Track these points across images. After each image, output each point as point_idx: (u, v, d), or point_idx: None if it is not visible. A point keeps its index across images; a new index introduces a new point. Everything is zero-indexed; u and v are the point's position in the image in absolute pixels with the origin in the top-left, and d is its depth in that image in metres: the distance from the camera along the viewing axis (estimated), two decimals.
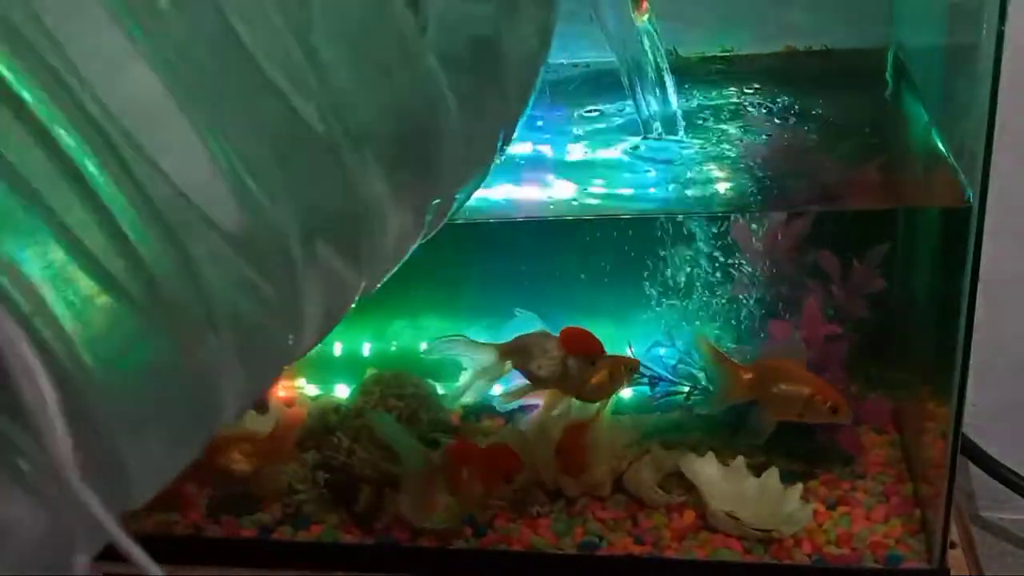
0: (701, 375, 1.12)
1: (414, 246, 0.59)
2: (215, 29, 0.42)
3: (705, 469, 1.05)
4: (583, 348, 0.99)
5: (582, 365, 0.99)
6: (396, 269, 0.59)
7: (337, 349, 1.28)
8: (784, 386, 0.96)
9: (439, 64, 0.52)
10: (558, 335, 1.01)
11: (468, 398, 1.05)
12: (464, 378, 1.01)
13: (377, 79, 0.49)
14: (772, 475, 1.04)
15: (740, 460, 1.05)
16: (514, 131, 0.67)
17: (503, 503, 1.08)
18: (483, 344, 1.01)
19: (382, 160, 0.49)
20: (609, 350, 1.03)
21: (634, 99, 0.98)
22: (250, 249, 0.43)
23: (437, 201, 0.58)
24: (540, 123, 1.08)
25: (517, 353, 1.00)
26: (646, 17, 0.92)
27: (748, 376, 0.97)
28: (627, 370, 1.01)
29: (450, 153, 0.55)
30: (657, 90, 0.96)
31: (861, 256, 1.05)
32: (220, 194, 0.41)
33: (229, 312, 0.43)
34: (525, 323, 1.01)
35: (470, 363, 1.01)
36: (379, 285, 0.57)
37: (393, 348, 1.27)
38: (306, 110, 0.44)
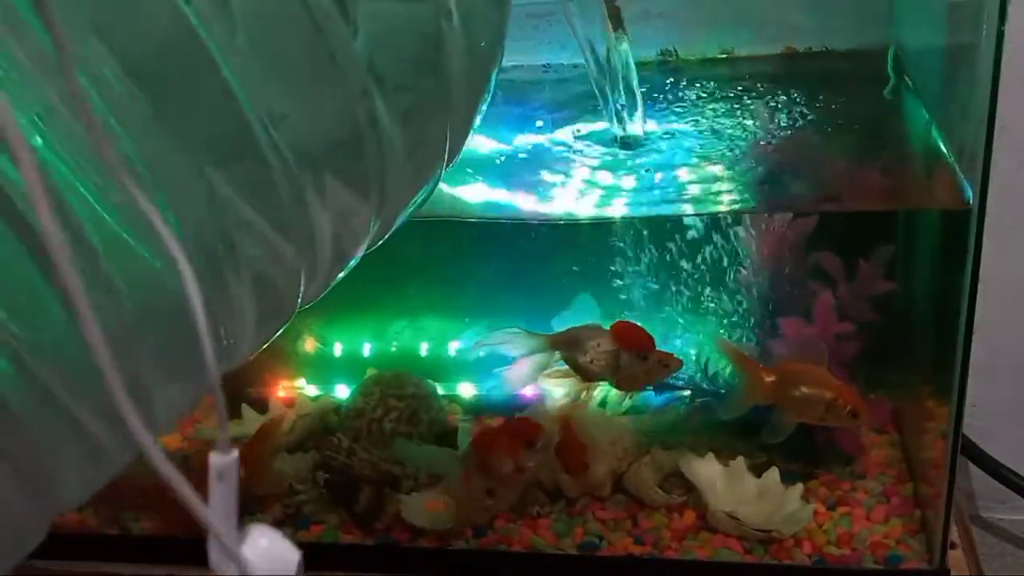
0: (704, 380, 1.12)
1: (360, 252, 0.58)
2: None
3: (705, 469, 1.05)
4: (636, 343, 0.99)
5: (634, 360, 0.98)
6: (345, 273, 0.57)
7: (337, 349, 1.28)
8: (806, 389, 0.95)
9: (371, 73, 0.51)
10: (610, 328, 1.00)
11: (517, 388, 1.05)
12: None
13: (305, 85, 0.48)
14: (772, 475, 1.04)
15: (740, 460, 1.05)
16: (466, 134, 0.65)
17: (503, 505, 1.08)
18: (534, 335, 1.00)
19: (312, 165, 0.48)
20: None
21: (605, 106, 0.99)
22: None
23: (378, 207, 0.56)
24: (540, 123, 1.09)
25: (568, 345, 0.99)
26: (625, 45, 0.94)
27: (770, 379, 0.96)
28: (663, 366, 1.00)
29: (391, 162, 0.54)
30: (628, 102, 0.98)
31: (867, 257, 1.05)
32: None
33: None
34: (583, 310, 1.02)
35: (519, 354, 1.00)
36: (325, 289, 0.56)
37: (393, 348, 1.27)
38: (236, 113, 0.44)
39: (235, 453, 0.38)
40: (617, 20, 0.93)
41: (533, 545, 1.04)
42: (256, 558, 0.37)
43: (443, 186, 0.98)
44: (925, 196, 0.99)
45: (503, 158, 1.03)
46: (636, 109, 0.99)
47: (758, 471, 1.05)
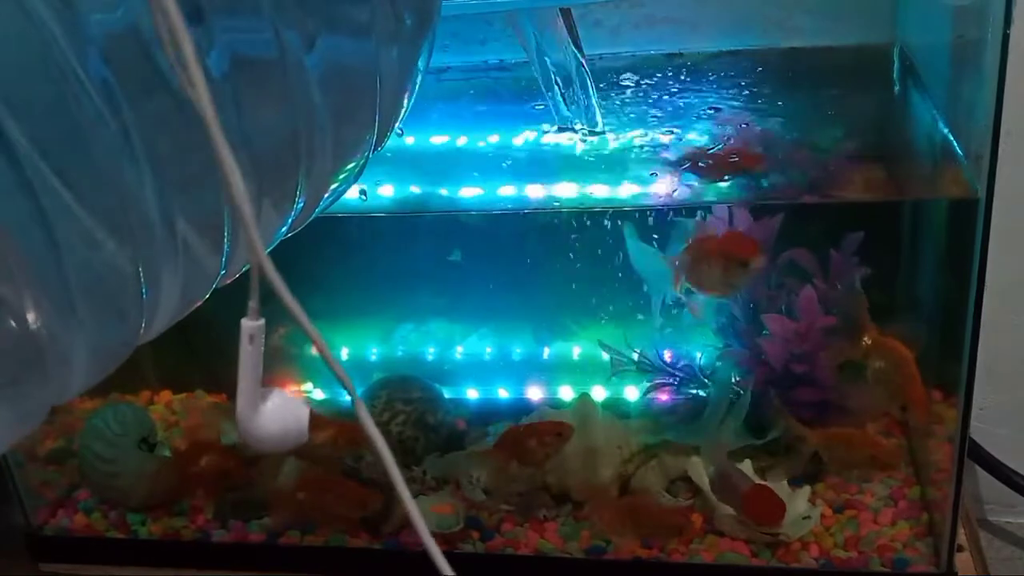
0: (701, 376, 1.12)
1: (273, 241, 0.58)
2: None
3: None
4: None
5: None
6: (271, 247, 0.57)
7: (344, 354, 1.28)
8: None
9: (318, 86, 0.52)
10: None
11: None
12: None
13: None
14: (779, 478, 1.04)
15: (747, 463, 1.05)
16: (395, 115, 0.65)
17: (511, 507, 1.08)
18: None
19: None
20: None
21: (552, 100, 1.00)
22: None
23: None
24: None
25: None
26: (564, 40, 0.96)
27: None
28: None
29: (317, 133, 0.54)
30: (581, 93, 1.00)
31: (837, 247, 1.03)
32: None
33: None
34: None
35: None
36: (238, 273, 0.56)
37: (400, 353, 1.27)
38: None
39: (262, 320, 0.45)
40: (569, 22, 0.94)
41: (540, 549, 1.05)
42: (274, 409, 0.46)
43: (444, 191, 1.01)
44: (932, 188, 0.99)
45: (509, 162, 1.03)
46: (592, 104, 1.01)
47: (765, 474, 1.05)
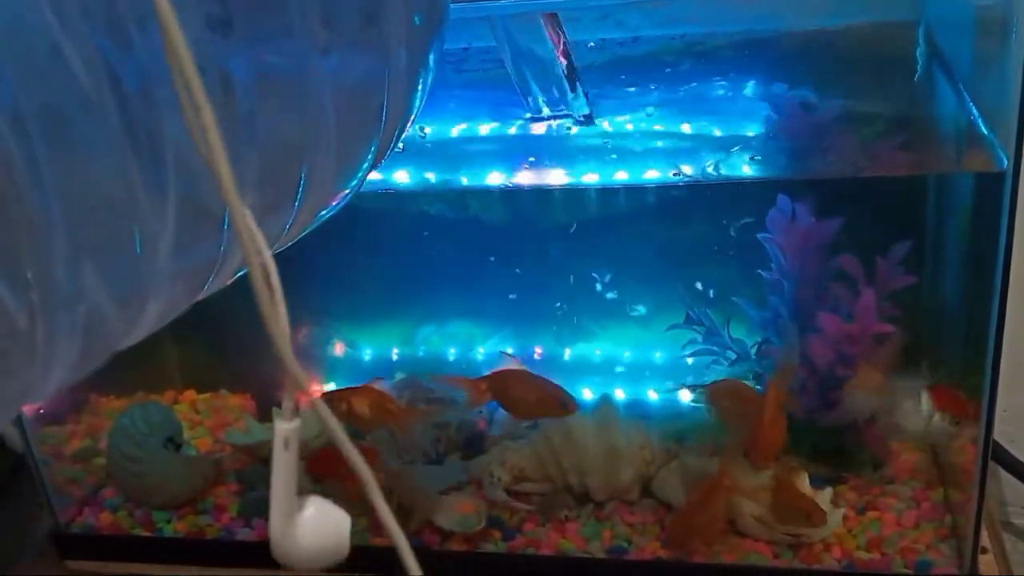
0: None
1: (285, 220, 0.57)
2: None
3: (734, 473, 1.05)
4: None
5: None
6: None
7: (366, 354, 1.28)
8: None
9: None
10: None
11: None
12: None
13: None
14: (802, 480, 1.04)
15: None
16: (400, 128, 0.65)
17: (532, 507, 1.08)
18: None
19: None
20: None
21: (528, 99, 1.01)
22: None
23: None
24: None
25: None
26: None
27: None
28: None
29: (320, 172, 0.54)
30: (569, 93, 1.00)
31: (884, 254, 1.02)
32: None
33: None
34: None
35: None
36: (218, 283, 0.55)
37: (421, 353, 1.28)
38: None
39: (298, 421, 0.40)
40: (554, 24, 0.94)
41: (561, 549, 1.05)
42: (311, 520, 0.42)
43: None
44: (957, 163, 0.98)
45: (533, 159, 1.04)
46: (576, 101, 1.01)
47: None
